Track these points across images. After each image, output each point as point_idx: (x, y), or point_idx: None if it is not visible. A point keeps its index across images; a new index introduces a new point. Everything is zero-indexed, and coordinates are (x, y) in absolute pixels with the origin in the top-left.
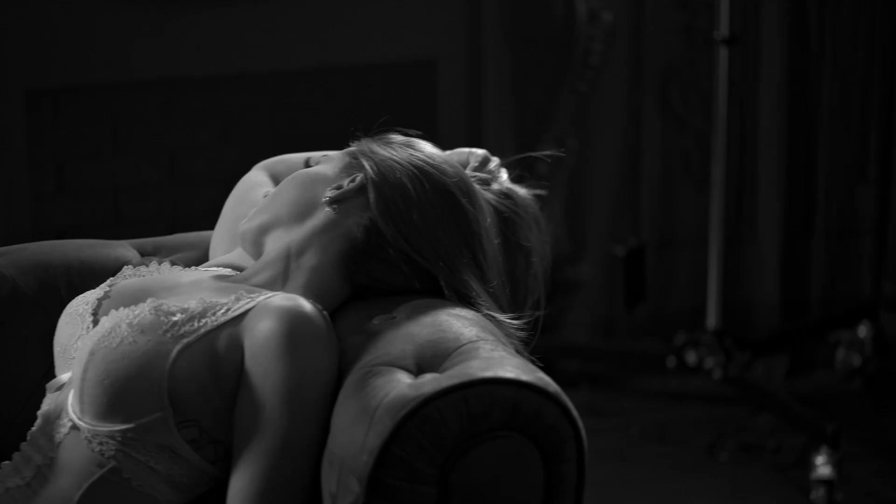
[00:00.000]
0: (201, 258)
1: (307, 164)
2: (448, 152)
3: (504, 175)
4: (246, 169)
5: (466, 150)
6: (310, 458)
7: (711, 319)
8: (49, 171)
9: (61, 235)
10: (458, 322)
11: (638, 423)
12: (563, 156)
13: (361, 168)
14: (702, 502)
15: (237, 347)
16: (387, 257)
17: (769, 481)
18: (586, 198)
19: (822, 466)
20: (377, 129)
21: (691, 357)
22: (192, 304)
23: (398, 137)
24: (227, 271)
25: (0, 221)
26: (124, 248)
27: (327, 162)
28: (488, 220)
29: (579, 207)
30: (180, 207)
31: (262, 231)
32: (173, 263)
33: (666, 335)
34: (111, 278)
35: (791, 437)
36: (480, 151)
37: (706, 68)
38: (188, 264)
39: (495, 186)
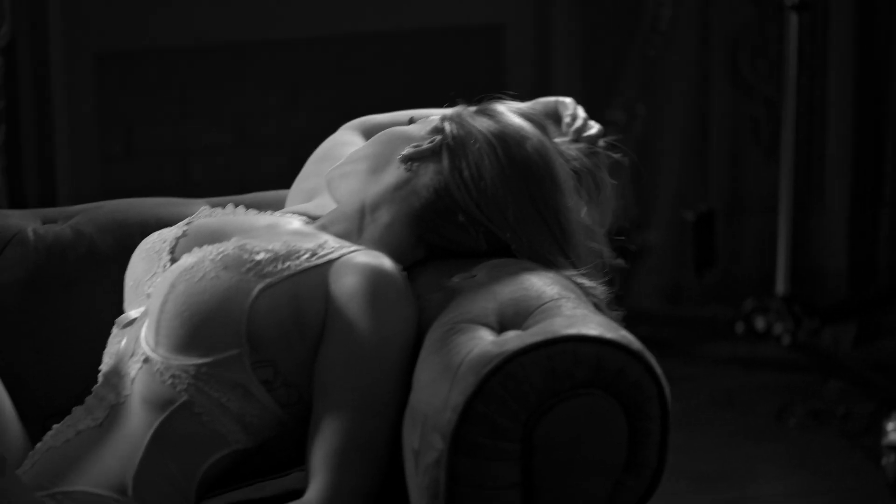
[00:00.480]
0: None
1: (411, 121)
2: (533, 102)
3: (594, 128)
4: (314, 133)
5: (553, 99)
6: (391, 415)
7: (780, 286)
8: (118, 134)
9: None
10: (539, 280)
11: (706, 390)
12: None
13: (443, 131)
14: (770, 468)
15: (320, 296)
16: (456, 220)
17: (838, 448)
18: (654, 164)
19: (893, 433)
20: (474, 95)
21: (760, 323)
22: (277, 245)
23: (494, 105)
24: (303, 219)
25: (69, 184)
26: (199, 206)
27: (423, 123)
28: (567, 196)
29: (647, 173)
30: (248, 171)
31: (343, 177)
32: (248, 207)
33: (734, 301)
34: (188, 218)
35: (860, 404)
36: (569, 101)
37: (775, 35)
38: None
39: (581, 144)
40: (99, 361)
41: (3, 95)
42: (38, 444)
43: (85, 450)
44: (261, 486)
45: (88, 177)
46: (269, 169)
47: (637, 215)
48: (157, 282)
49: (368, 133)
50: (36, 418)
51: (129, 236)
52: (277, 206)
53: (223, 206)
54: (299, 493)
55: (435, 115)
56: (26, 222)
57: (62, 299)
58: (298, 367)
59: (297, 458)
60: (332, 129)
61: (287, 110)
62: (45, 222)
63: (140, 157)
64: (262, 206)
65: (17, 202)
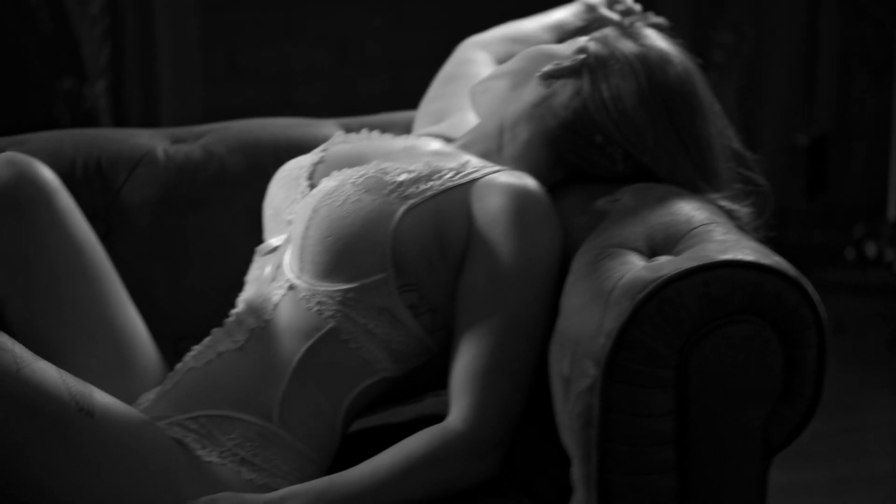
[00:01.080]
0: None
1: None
2: None
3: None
4: (418, 53)
5: None
6: (536, 339)
7: (892, 211)
8: (221, 54)
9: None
10: (687, 205)
11: None
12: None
13: (586, 51)
14: (880, 396)
15: (464, 216)
16: (594, 141)
17: None
18: (762, 87)
19: None
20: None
21: (870, 249)
22: (418, 166)
23: (645, 30)
24: (438, 140)
25: (172, 105)
26: (330, 127)
27: (570, 42)
28: (709, 122)
29: (754, 97)
30: (352, 92)
31: (485, 93)
32: (380, 129)
33: (844, 227)
34: (324, 144)
35: None
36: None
37: None
38: None
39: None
40: (229, 283)
41: (107, 14)
42: (179, 365)
43: (227, 373)
44: (395, 411)
45: (191, 97)
46: (373, 90)
47: (743, 139)
48: (298, 208)
49: (490, 49)
50: (167, 338)
51: (260, 157)
52: (406, 127)
53: (353, 126)
54: (434, 417)
55: (557, 16)
56: (155, 142)
57: (193, 220)
58: (442, 291)
59: (433, 384)
60: (436, 50)
61: (391, 31)
62: (173, 142)
63: (242, 78)
64: (391, 128)
65: (119, 122)
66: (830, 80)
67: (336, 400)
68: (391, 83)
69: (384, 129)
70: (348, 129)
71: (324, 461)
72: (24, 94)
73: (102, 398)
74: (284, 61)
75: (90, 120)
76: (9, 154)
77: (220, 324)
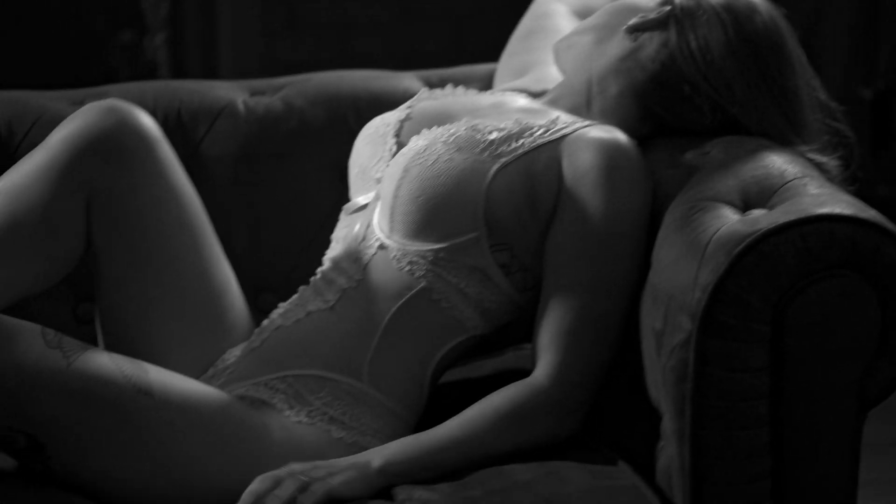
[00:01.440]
0: (487, 90)
1: None
2: None
3: None
4: (478, 6)
5: None
6: (625, 295)
7: None
8: (280, 7)
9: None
10: (778, 158)
11: None
12: None
13: (672, 3)
14: None
15: (554, 173)
16: (682, 93)
17: None
18: (824, 40)
19: None
20: None
21: None
22: (508, 123)
23: None
24: (524, 95)
25: (231, 58)
26: (411, 80)
27: None
28: (797, 72)
29: (817, 50)
30: (410, 46)
31: (570, 48)
32: (458, 83)
33: None
34: (409, 101)
35: None
36: None
37: None
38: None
39: None
40: (309, 237)
41: None
42: (266, 322)
43: (317, 332)
44: (478, 364)
45: (249, 50)
46: (431, 44)
47: None
48: (388, 167)
49: (566, 1)
50: (246, 292)
51: (341, 109)
52: (486, 80)
53: (432, 79)
54: (514, 372)
55: None
56: (235, 94)
57: (273, 173)
58: (532, 250)
59: (516, 339)
60: (495, 3)
61: None
62: (252, 94)
63: (301, 31)
64: (471, 81)
65: (178, 75)
66: (894, 32)
67: (425, 357)
68: (451, 36)
69: (464, 82)
70: (428, 82)
71: (412, 418)
72: (83, 47)
73: (158, 375)
74: (343, 14)
75: (149, 73)
76: (112, 101)
77: (300, 279)
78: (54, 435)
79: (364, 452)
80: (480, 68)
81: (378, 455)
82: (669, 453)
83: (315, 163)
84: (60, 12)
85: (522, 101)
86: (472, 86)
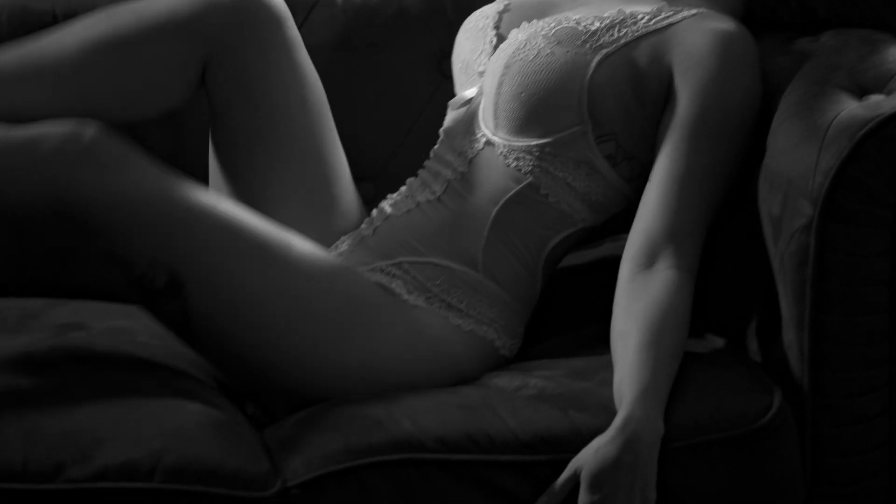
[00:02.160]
0: None
1: None
2: None
3: None
4: None
5: None
6: (731, 182)
7: None
8: None
9: None
10: (893, 46)
11: None
12: None
13: None
14: None
15: (661, 61)
16: None
17: None
18: None
19: None
20: None
21: None
22: (611, 12)
23: None
24: None
25: None
26: None
27: None
28: None
29: None
30: None
31: None
32: None
33: None
34: None
35: None
36: None
37: None
38: None
39: None
40: (407, 127)
41: None
42: (375, 212)
43: (427, 222)
44: (579, 254)
45: None
46: None
47: None
48: (490, 61)
49: None
50: None
51: None
52: None
53: None
54: (612, 259)
55: None
56: None
57: (370, 62)
58: (638, 138)
59: (616, 230)
60: None
61: None
62: None
63: None
64: None
65: None
66: None
67: (536, 250)
68: None
69: None
70: None
71: (525, 310)
72: None
73: (296, 236)
74: None
75: None
76: None
77: (399, 169)
78: (196, 270)
79: (614, 423)
80: None
81: (617, 423)
82: (787, 339)
83: (412, 52)
84: None
85: None
86: None
